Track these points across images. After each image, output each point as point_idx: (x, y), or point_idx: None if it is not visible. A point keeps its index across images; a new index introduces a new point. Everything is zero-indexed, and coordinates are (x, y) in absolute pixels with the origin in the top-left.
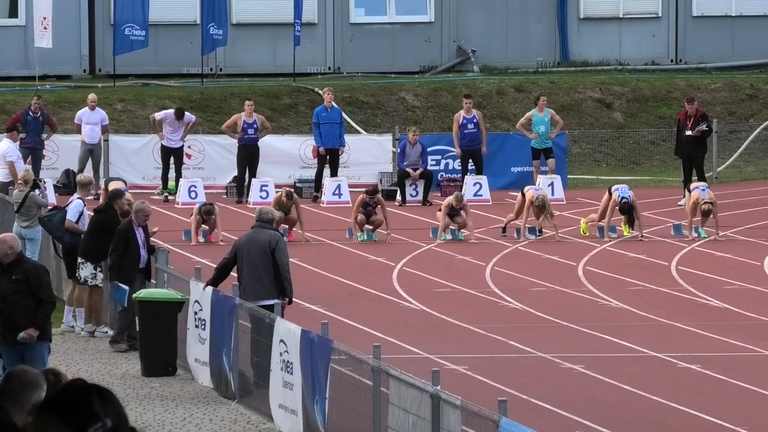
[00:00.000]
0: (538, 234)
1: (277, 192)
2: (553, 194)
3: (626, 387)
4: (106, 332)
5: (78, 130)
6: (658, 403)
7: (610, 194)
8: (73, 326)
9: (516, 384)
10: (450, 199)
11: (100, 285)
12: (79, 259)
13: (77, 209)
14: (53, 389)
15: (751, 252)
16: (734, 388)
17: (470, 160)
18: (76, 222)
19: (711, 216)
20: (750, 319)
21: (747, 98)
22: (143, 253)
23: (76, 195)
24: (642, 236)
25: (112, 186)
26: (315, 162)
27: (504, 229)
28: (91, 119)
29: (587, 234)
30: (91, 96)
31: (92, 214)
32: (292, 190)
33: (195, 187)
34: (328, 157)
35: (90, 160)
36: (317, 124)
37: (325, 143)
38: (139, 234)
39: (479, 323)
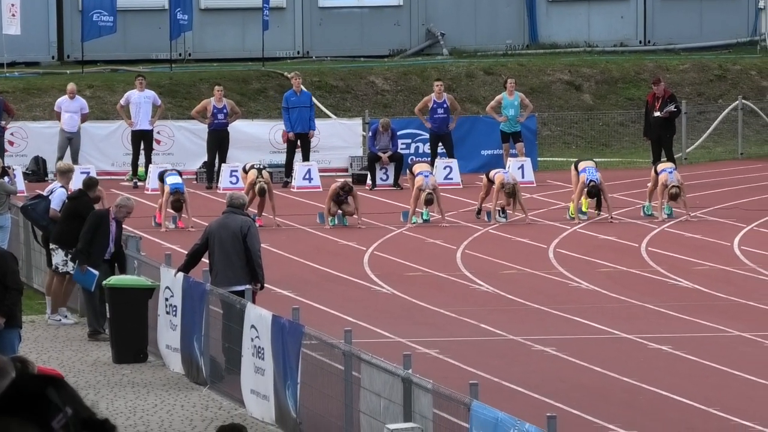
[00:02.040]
0: (503, 215)
1: (249, 168)
2: (523, 177)
3: (597, 369)
4: (59, 320)
5: (57, 117)
6: (628, 384)
7: (578, 171)
8: (59, 319)
9: (487, 367)
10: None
11: (71, 272)
12: (51, 245)
13: (61, 198)
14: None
15: (721, 232)
16: (705, 368)
17: (440, 144)
18: (60, 211)
19: (679, 199)
20: (720, 300)
21: (716, 79)
22: (111, 245)
23: (57, 183)
24: (611, 218)
25: (62, 167)
26: (285, 147)
27: (479, 211)
28: (70, 107)
29: (574, 216)
30: (70, 86)
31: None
32: (264, 185)
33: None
34: (298, 141)
35: (69, 148)
36: (287, 109)
37: (295, 128)
38: (113, 226)
39: (450, 307)
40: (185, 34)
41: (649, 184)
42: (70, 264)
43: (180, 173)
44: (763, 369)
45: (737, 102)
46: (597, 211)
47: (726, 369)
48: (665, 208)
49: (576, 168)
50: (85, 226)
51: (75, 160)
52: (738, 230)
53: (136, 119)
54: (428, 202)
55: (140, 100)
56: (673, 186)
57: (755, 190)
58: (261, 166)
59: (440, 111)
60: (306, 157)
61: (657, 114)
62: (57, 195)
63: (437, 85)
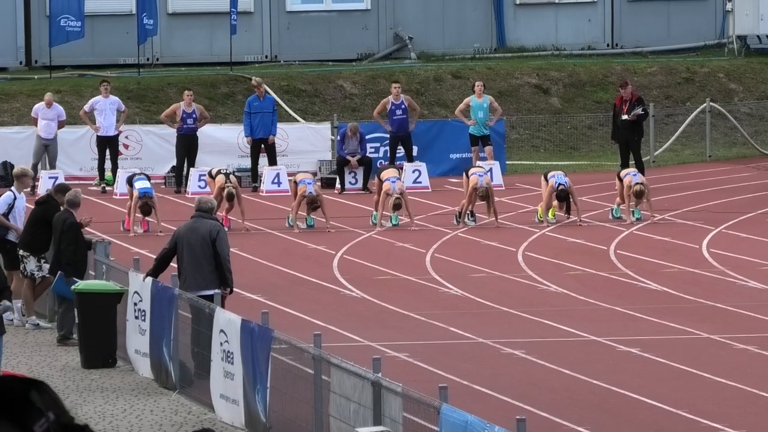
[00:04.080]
0: (472, 218)
1: (216, 173)
2: (492, 180)
3: (566, 371)
4: (37, 324)
5: (34, 123)
6: (597, 386)
7: (547, 180)
8: (38, 323)
9: (457, 370)
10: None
11: (47, 276)
12: (21, 252)
13: (5, 201)
14: None
15: (689, 235)
16: (674, 370)
17: (399, 146)
18: (6, 215)
19: (644, 198)
20: (688, 302)
21: (683, 81)
22: None
23: (13, 187)
24: (580, 221)
25: (20, 170)
26: (251, 151)
27: (459, 215)
28: (47, 115)
29: (542, 220)
30: (47, 97)
31: (33, 206)
32: (233, 189)
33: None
34: (262, 146)
35: (46, 155)
36: (249, 114)
37: (257, 133)
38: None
39: (420, 310)
40: (153, 39)
41: (617, 188)
42: (45, 267)
43: (149, 177)
44: (731, 371)
45: (705, 105)
46: (566, 214)
47: (695, 371)
48: (634, 212)
49: (545, 178)
50: (66, 238)
51: (53, 166)
52: (706, 233)
53: (102, 125)
54: (396, 206)
55: (105, 106)
56: (637, 183)
57: (723, 192)
58: (228, 171)
59: (399, 112)
60: (272, 162)
61: (625, 117)
62: (1, 199)
63: (395, 87)
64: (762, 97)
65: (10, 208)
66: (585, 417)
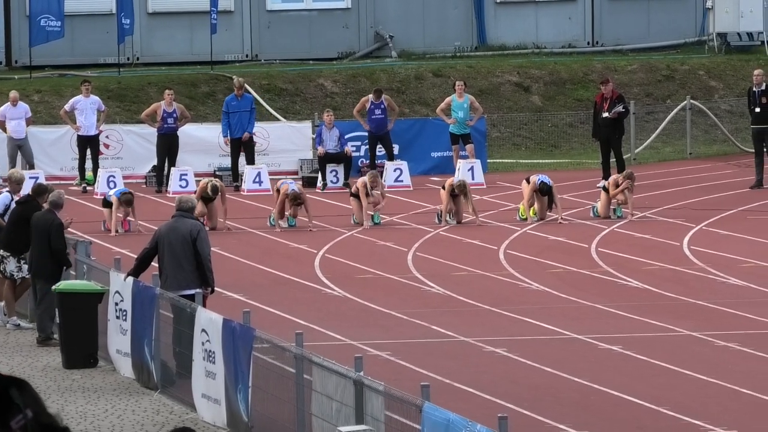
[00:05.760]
0: (453, 217)
1: (198, 180)
2: (473, 179)
3: (548, 369)
4: (18, 324)
5: (2, 127)
6: (579, 384)
7: (528, 182)
8: (19, 324)
9: (439, 368)
10: (364, 178)
11: (27, 276)
12: (1, 252)
13: (3, 202)
14: None
15: (670, 232)
16: (655, 368)
17: (378, 145)
18: (2, 215)
19: (627, 191)
20: (669, 299)
21: (664, 79)
22: None
23: (5, 189)
24: (561, 219)
25: (14, 175)
26: (231, 151)
27: (440, 216)
28: (14, 114)
29: (525, 217)
30: (12, 94)
31: (14, 206)
32: (218, 183)
33: (114, 177)
34: (241, 146)
35: (20, 155)
36: (226, 113)
37: (235, 132)
38: None
39: (402, 309)
40: (133, 38)
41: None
42: (24, 268)
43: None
44: (712, 368)
45: (685, 102)
46: (548, 211)
47: (676, 368)
48: (615, 210)
49: (527, 181)
50: (61, 241)
51: (31, 166)
52: (687, 230)
53: (83, 125)
54: (296, 201)
55: (86, 106)
56: (542, 182)
57: (704, 189)
58: (214, 186)
59: (378, 112)
60: (250, 161)
61: (605, 115)
62: (1, 198)
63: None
64: (742, 94)
65: (6, 209)
66: (567, 414)
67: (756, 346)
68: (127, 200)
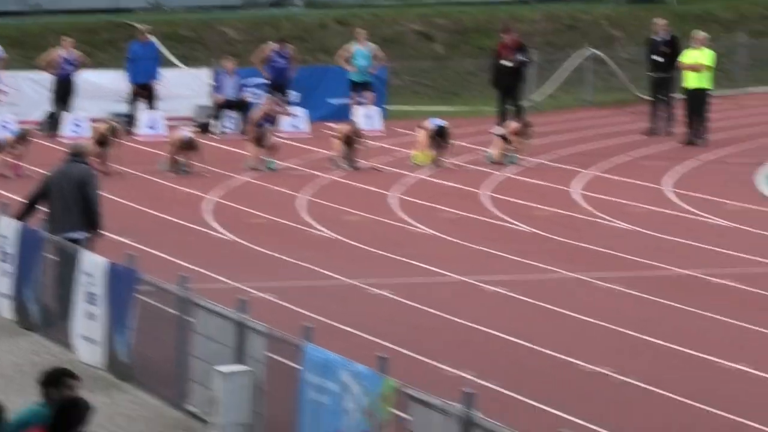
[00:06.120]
0: (346, 162)
1: (94, 125)
2: (372, 125)
3: (431, 310)
4: None
5: None
6: (461, 324)
7: (423, 128)
8: None
9: (324, 310)
10: (347, 126)
11: None
12: None
13: None
14: None
15: (563, 178)
16: (537, 309)
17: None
18: None
19: (524, 138)
20: (556, 243)
21: (566, 29)
22: None
23: None
24: (450, 164)
25: None
26: (130, 96)
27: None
28: None
29: (418, 162)
30: None
31: None
32: (116, 125)
33: (7, 123)
34: (144, 91)
35: None
36: (131, 60)
37: (138, 78)
38: None
39: (290, 253)
40: None
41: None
42: None
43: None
44: (594, 310)
45: (585, 49)
46: (436, 153)
47: (557, 309)
48: (510, 156)
49: (421, 127)
50: None
51: None
52: (580, 176)
53: None
54: (189, 146)
55: None
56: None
57: (600, 137)
58: (112, 127)
59: (281, 61)
60: (152, 107)
61: (505, 63)
62: None
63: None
64: (643, 44)
65: None
66: (448, 354)
67: (639, 288)
68: (22, 135)
